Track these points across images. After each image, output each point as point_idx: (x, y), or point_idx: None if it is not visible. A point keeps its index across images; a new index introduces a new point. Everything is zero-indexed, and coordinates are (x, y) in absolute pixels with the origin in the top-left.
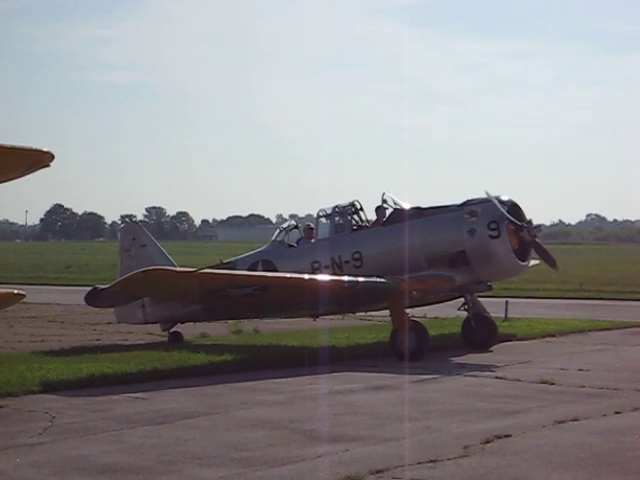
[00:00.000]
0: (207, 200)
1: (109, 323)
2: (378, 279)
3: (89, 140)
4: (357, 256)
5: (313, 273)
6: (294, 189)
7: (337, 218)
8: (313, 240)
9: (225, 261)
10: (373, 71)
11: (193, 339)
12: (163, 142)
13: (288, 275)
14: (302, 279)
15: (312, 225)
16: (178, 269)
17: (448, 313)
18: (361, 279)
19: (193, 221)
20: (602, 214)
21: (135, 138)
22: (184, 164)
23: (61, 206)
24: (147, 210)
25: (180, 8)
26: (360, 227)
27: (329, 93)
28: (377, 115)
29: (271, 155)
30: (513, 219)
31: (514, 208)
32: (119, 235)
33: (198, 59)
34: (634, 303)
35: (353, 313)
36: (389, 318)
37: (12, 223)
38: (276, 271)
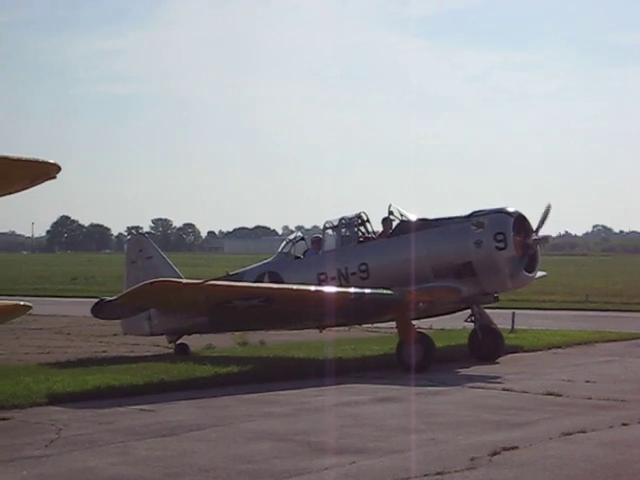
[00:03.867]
0: (213, 212)
1: (115, 335)
2: (384, 291)
3: (95, 151)
4: (363, 268)
5: (319, 285)
6: (300, 201)
7: (343, 230)
8: (321, 252)
9: (231, 273)
10: (378, 81)
11: (199, 351)
12: (169, 153)
13: (294, 287)
14: (308, 291)
15: (320, 236)
16: (184, 281)
17: (455, 325)
18: (367, 291)
19: (199, 233)
20: (608, 225)
21: (141, 149)
22: (190, 175)
23: (67, 218)
24: (153, 222)
25: (183, 19)
26: (366, 239)
27: (334, 103)
28: (382, 125)
29: (277, 166)
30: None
31: (521, 219)
32: (125, 247)
33: (201, 70)
34: None
35: (359, 325)
36: (395, 330)
37: (18, 235)
38: (282, 283)
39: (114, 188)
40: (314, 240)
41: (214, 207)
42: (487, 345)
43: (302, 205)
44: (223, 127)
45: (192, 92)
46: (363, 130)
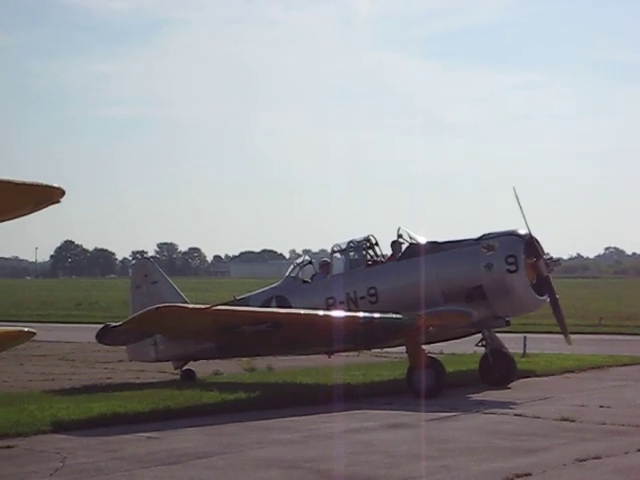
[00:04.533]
0: (219, 235)
1: (121, 361)
2: (394, 315)
3: (98, 176)
4: (372, 292)
5: (328, 309)
6: (307, 224)
7: (352, 253)
8: (329, 275)
9: (238, 297)
10: (384, 103)
11: (206, 377)
12: (173, 176)
13: (302, 311)
14: (316, 315)
15: (328, 260)
16: (191, 306)
17: (465, 349)
18: (377, 315)
19: (205, 257)
20: (621, 247)
21: (145, 173)
22: (195, 199)
23: (71, 242)
24: (159, 246)
25: (184, 43)
26: (375, 262)
27: (340, 126)
28: (390, 148)
29: (283, 189)
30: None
31: (532, 242)
32: (130, 272)
33: (203, 93)
34: None
35: (369, 350)
36: (405, 355)
37: (22, 260)
38: (290, 307)
39: (118, 212)
40: (322, 264)
41: (220, 231)
42: (499, 370)
43: (309, 228)
44: (228, 151)
45: (195, 116)
46: (371, 153)
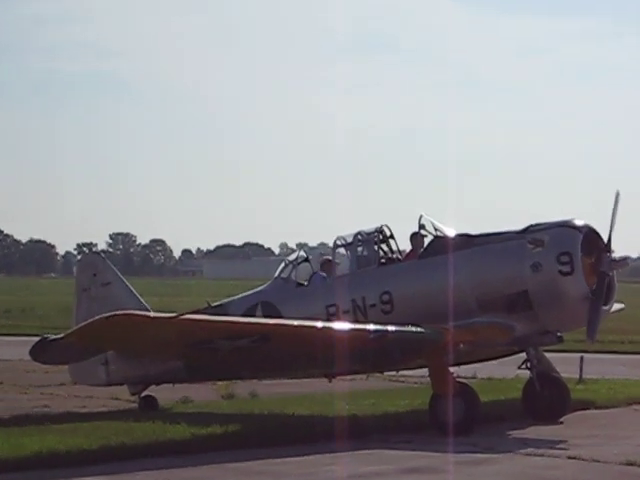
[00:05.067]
0: (189, 224)
1: (62, 384)
2: (413, 328)
3: (33, 146)
4: (386, 298)
5: (328, 320)
6: (303, 211)
7: (360, 248)
8: (330, 277)
9: (214, 304)
10: (410, 54)
11: (171, 405)
12: (130, 148)
13: (296, 323)
14: (314, 328)
15: (330, 257)
16: (152, 314)
17: (505, 373)
18: (391, 328)
19: (171, 251)
20: None
21: (93, 143)
22: (158, 177)
23: None
24: (111, 237)
25: None
26: (390, 260)
27: (342, 85)
28: (411, 114)
29: (271, 167)
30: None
31: (591, 235)
32: (75, 270)
33: (180, 45)
34: None
35: (381, 373)
36: (428, 379)
37: None
38: (280, 317)
39: (59, 194)
40: (323, 262)
41: (190, 218)
42: (547, 399)
43: (305, 216)
44: (197, 114)
45: (153, 71)
46: (383, 119)
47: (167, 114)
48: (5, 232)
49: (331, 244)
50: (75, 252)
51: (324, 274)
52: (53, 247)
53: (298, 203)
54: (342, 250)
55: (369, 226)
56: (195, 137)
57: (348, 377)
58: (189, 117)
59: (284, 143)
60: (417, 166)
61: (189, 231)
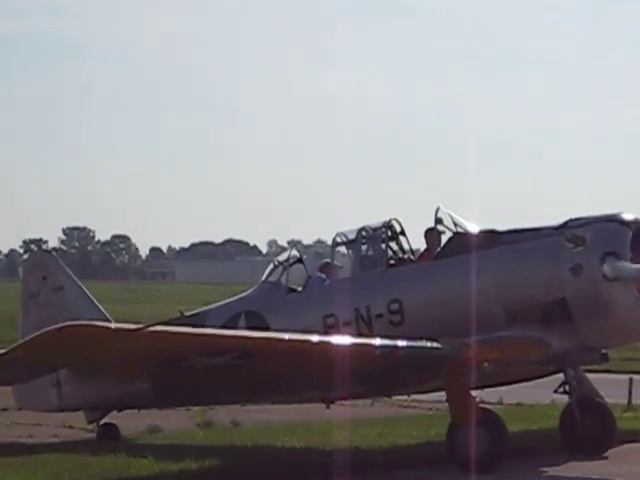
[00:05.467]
0: (159, 218)
1: (4, 410)
2: (428, 343)
3: None
4: (395, 307)
5: (326, 333)
6: (296, 202)
7: (365, 247)
8: (329, 281)
9: (188, 313)
10: (423, 17)
11: (137, 435)
12: (90, 125)
13: (287, 336)
14: (309, 342)
15: (329, 260)
16: (114, 325)
17: (539, 397)
18: (401, 343)
19: (137, 250)
20: None
21: (42, 117)
22: (123, 160)
23: None
24: (65, 232)
25: None
26: (400, 261)
27: (344, 57)
28: (424, 89)
29: (257, 150)
30: None
31: None
32: (21, 271)
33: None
34: None
35: (388, 396)
36: (445, 405)
37: None
38: (268, 329)
39: (2, 181)
40: (322, 265)
41: (160, 211)
42: (589, 429)
43: (299, 209)
44: (169, 84)
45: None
46: (390, 96)
47: (133, 82)
48: None
49: (330, 242)
50: (21, 250)
51: (323, 276)
52: None
53: (291, 193)
54: (343, 249)
55: (375, 220)
56: (167, 112)
57: (349, 402)
58: (161, 88)
59: (275, 121)
60: (433, 149)
61: (159, 225)
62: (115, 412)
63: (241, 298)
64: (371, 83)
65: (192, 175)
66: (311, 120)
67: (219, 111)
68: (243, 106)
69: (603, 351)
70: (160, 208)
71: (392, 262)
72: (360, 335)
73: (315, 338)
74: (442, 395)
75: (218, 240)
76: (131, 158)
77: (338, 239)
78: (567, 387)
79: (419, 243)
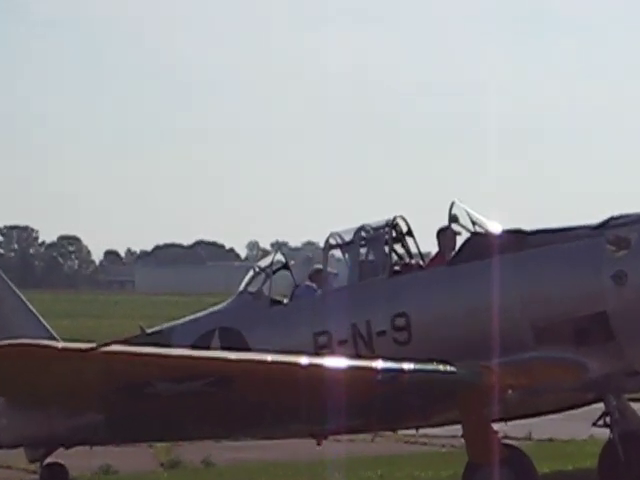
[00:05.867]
0: (116, 216)
1: None
2: (441, 367)
3: None
4: (401, 322)
5: (318, 354)
6: (281, 196)
7: (364, 250)
8: (320, 291)
9: (150, 330)
10: None
11: (88, 478)
12: (33, 103)
13: (270, 358)
14: (297, 365)
15: (320, 267)
16: (61, 345)
17: (574, 431)
18: (408, 366)
19: (89, 253)
20: None
21: None
22: (73, 147)
23: None
24: (2, 233)
25: None
26: (407, 267)
27: (337, 25)
28: (436, 58)
29: (241, 133)
30: None
31: None
32: None
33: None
34: None
35: (392, 430)
36: (461, 440)
37: None
38: (247, 349)
39: None
40: (312, 272)
41: (118, 207)
42: (634, 469)
43: (286, 205)
44: (134, 57)
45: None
46: (397, 71)
47: (88, 52)
48: None
49: (322, 244)
50: None
51: (313, 285)
52: None
53: (275, 185)
54: (338, 253)
55: (377, 218)
56: (128, 88)
57: (345, 437)
58: (123, 69)
59: (258, 98)
60: (446, 135)
61: (115, 225)
62: (62, 449)
63: (214, 312)
64: (371, 52)
65: (156, 165)
66: (301, 97)
67: (195, 87)
68: (220, 79)
69: None
70: (117, 204)
71: (397, 268)
72: (358, 356)
73: (304, 360)
74: (457, 429)
75: (187, 242)
76: (82, 143)
77: (332, 241)
78: (608, 419)
79: (430, 245)
